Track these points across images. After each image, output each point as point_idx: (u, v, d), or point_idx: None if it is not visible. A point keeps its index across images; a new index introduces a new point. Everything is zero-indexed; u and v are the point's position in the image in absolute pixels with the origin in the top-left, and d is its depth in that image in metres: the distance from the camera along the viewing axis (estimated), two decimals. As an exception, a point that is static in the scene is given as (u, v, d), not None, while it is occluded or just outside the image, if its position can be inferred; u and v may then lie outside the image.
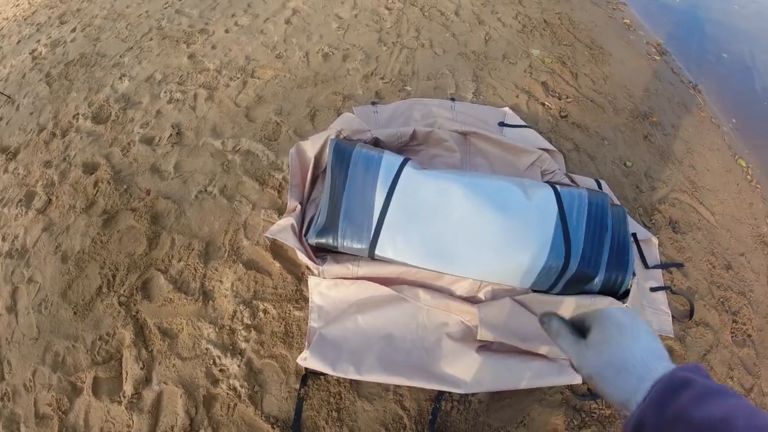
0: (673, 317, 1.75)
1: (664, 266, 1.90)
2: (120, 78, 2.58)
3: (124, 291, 1.67)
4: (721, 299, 1.91)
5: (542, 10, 3.23)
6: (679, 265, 1.94)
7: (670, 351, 1.69)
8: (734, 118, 3.05)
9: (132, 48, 2.81)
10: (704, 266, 1.99)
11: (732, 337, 1.83)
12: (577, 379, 1.47)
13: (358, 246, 1.54)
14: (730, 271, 2.03)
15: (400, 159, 1.65)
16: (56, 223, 1.90)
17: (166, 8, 3.18)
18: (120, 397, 1.46)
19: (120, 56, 2.75)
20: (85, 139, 2.22)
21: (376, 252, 1.53)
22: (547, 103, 2.47)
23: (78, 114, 2.38)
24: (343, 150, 1.64)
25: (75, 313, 1.64)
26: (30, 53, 2.95)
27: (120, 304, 1.64)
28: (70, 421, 1.44)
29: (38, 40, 3.08)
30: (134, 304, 1.64)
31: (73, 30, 3.10)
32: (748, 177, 2.63)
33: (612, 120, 2.47)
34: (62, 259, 1.78)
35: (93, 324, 1.61)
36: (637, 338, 0.54)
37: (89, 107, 2.40)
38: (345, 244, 1.55)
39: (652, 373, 0.50)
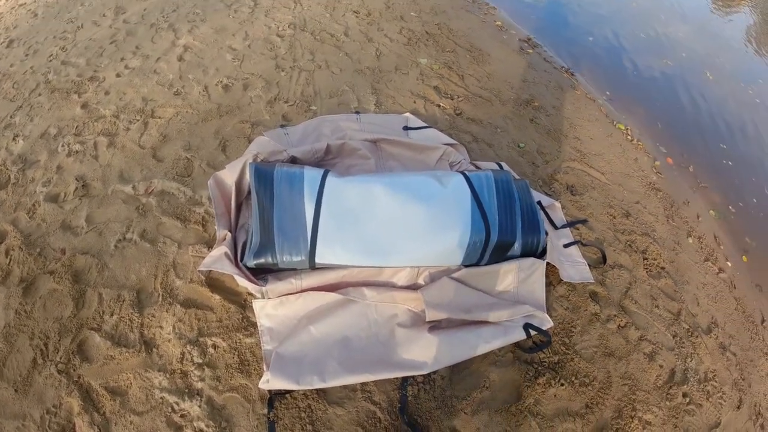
0: (589, 265, 2.00)
1: (570, 224, 2.16)
2: (13, 139, 2.39)
3: (61, 358, 1.55)
4: (628, 242, 2.21)
5: (423, 23, 3.52)
6: (583, 221, 2.22)
7: (595, 295, 1.92)
8: (608, 90, 3.53)
9: (21, 106, 2.62)
10: (605, 218, 2.29)
11: (647, 272, 2.11)
12: (521, 336, 1.64)
13: (298, 258, 1.58)
14: (629, 218, 2.35)
15: (321, 171, 1.74)
16: (-26, 301, 1.72)
17: (51, 61, 3.00)
18: (81, 467, 1.36)
19: (10, 117, 2.56)
20: (-12, 207, 2.04)
21: (317, 260, 1.59)
22: (441, 104, 2.69)
23: (-24, 183, 2.17)
24: (263, 172, 1.68)
25: (16, 390, 1.50)
26: None
27: (59, 372, 1.52)
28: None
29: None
30: (74, 370, 1.53)
31: (-41, 98, 2.82)
32: (629, 137, 3.06)
33: (500, 111, 2.76)
34: (-11, 337, 1.62)
35: (37, 399, 1.48)
36: None
37: (-14, 175, 2.20)
38: (284, 259, 1.58)
39: None
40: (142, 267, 1.79)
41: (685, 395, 1.73)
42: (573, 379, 1.65)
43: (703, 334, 1.97)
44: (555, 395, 1.60)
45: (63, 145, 2.33)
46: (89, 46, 3.16)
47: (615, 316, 1.87)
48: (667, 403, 1.69)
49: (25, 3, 4.20)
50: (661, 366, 1.77)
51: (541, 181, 2.36)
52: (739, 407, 1.82)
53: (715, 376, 1.85)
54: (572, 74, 3.52)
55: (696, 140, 3.20)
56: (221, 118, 2.46)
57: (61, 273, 1.77)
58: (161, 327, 1.62)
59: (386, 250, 1.62)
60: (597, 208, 2.32)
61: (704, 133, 3.29)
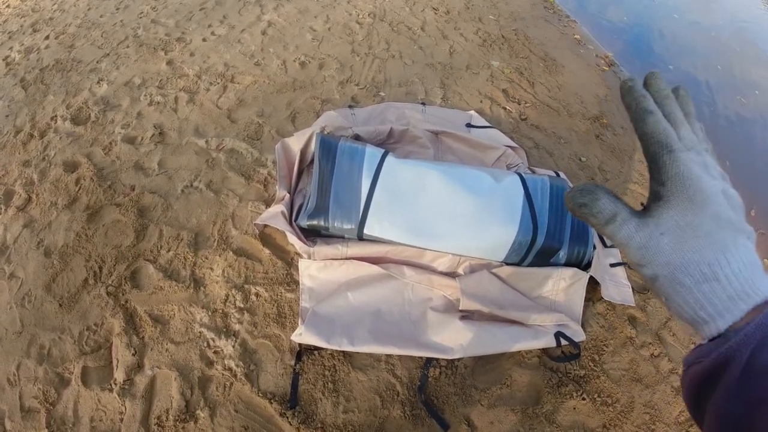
0: (633, 289, 1.93)
1: None
2: (98, 82, 2.61)
3: (112, 281, 1.69)
4: (677, 273, 2.12)
5: (500, 27, 3.53)
6: None
7: (633, 319, 1.86)
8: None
9: (108, 54, 2.85)
10: (659, 245, 2.20)
11: None
12: (551, 343, 1.63)
13: (348, 226, 1.65)
14: (681, 249, 2.25)
15: (381, 150, 1.79)
16: (37, 220, 1.90)
17: (141, 18, 3.24)
18: (111, 384, 1.46)
19: (97, 62, 2.78)
20: (65, 139, 2.23)
21: (365, 231, 1.65)
22: (508, 107, 2.69)
23: (56, 116, 2.39)
24: (328, 143, 1.76)
25: (60, 305, 1.63)
26: (3, 59, 2.92)
27: (108, 294, 1.66)
28: (59, 413, 1.42)
29: (11, 47, 3.06)
30: (123, 294, 1.66)
31: (47, 38, 3.10)
32: (696, 170, 2.93)
33: (566, 122, 2.72)
34: (45, 254, 1.77)
35: (80, 315, 1.61)
36: (737, 240, 0.34)
37: (67, 109, 2.41)
38: (336, 225, 1.65)
39: (753, 293, 0.33)
40: (203, 213, 1.92)
41: (704, 437, 1.66)
42: (596, 396, 1.62)
43: (734, 379, 1.88)
44: (574, 408, 1.57)
45: (146, 95, 2.52)
46: (179, 10, 3.38)
47: (650, 343, 1.80)
48: (685, 440, 1.62)
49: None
50: (686, 402, 1.71)
51: (597, 198, 2.31)
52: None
53: (738, 422, 1.77)
54: (646, 99, 3.40)
55: (763, 185, 3.02)
56: (295, 91, 2.58)
57: (128, 206, 1.92)
58: (212, 269, 1.73)
59: (432, 233, 1.66)
60: (651, 234, 2.25)
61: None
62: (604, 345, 1.76)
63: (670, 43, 4.45)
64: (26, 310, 1.63)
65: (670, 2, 5.28)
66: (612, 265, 2.00)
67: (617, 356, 1.74)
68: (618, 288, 1.93)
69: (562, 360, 1.67)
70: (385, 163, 1.73)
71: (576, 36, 3.81)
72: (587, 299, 1.85)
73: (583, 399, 1.59)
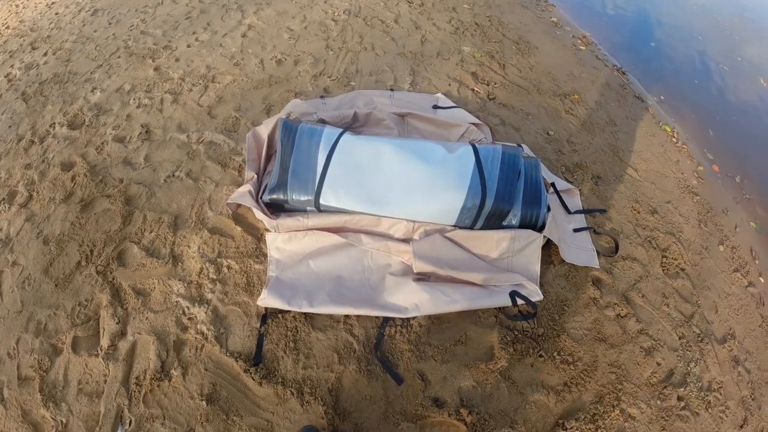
0: (599, 253, 1.99)
1: (585, 211, 2.16)
2: (92, 91, 2.81)
3: (101, 262, 1.86)
4: (648, 238, 2.16)
5: (474, 15, 3.62)
6: (602, 211, 2.19)
7: (598, 281, 1.92)
8: (662, 95, 3.40)
9: (101, 65, 3.06)
10: (628, 212, 2.26)
11: (663, 270, 2.06)
12: (506, 302, 1.71)
13: (305, 197, 1.78)
14: (655, 215, 2.29)
15: (339, 130, 1.91)
16: (37, 214, 2.09)
17: (131, 30, 3.46)
18: (97, 350, 1.62)
19: (91, 73, 3.00)
20: (62, 142, 2.43)
21: (321, 201, 1.77)
22: (476, 89, 2.78)
23: (54, 123, 2.59)
24: (290, 126, 1.90)
25: (56, 285, 1.81)
26: (5, 76, 3.18)
27: (98, 273, 1.82)
28: (51, 378, 1.57)
29: (12, 65, 3.31)
30: (110, 272, 1.83)
31: (45, 54, 3.34)
32: (674, 139, 2.95)
33: (536, 99, 2.79)
34: (44, 242, 1.96)
35: (73, 293, 1.78)
36: None
37: (64, 116, 2.62)
38: (293, 197, 1.78)
39: None
40: (183, 198, 2.08)
41: (680, 399, 1.68)
42: (555, 354, 1.67)
43: (715, 343, 1.88)
44: (532, 365, 1.64)
45: (134, 99, 2.71)
46: (166, 20, 3.58)
47: (616, 304, 1.85)
48: (658, 402, 1.65)
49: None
50: (658, 363, 1.73)
51: (564, 168, 2.37)
52: (742, 426, 1.72)
53: (720, 388, 1.76)
54: (624, 73, 3.43)
55: (750, 152, 3.01)
56: (271, 87, 2.73)
57: (116, 197, 2.09)
58: (189, 246, 1.89)
59: (386, 200, 1.76)
60: (620, 201, 2.29)
61: (760, 146, 3.07)
62: (565, 305, 1.82)
63: (648, 18, 4.46)
64: (26, 292, 1.81)
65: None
66: (576, 230, 2.06)
67: (579, 316, 1.80)
68: (582, 252, 1.99)
69: (519, 318, 1.73)
70: (341, 140, 1.84)
71: (553, 19, 3.87)
72: (549, 262, 1.92)
73: (541, 356, 1.65)
